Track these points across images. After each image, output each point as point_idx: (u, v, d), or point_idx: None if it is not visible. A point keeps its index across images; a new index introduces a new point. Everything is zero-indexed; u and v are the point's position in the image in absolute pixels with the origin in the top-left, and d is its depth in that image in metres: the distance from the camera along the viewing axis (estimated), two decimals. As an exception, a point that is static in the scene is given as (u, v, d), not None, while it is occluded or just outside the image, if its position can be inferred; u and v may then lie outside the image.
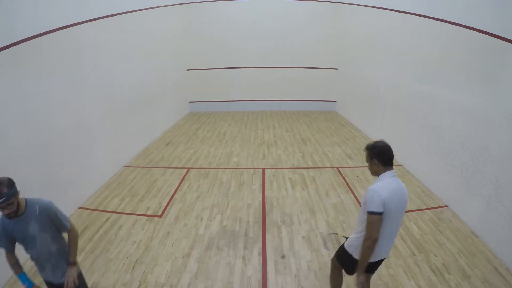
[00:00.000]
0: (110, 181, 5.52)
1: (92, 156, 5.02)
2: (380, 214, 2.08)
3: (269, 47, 10.29)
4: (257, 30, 10.12)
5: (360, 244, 2.22)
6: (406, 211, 4.34)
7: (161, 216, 4.41)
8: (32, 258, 2.14)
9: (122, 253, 3.62)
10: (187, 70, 10.49)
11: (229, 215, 4.43)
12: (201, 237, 3.93)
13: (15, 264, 2.09)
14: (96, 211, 4.53)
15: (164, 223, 4.22)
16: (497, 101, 3.62)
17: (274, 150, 7.04)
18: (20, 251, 2.11)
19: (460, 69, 4.32)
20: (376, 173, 2.22)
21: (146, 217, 4.37)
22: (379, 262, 2.39)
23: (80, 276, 2.24)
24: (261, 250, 3.66)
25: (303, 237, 3.91)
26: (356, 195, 4.91)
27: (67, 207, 4.37)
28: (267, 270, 3.34)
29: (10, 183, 1.87)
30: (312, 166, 6.11)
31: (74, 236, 2.19)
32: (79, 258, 3.52)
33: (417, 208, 4.51)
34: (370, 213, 2.09)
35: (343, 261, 2.52)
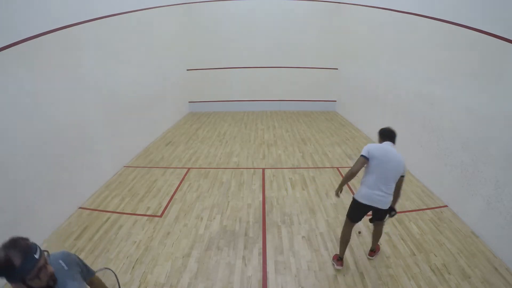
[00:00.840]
0: (110, 181, 5.52)
1: (92, 156, 5.02)
2: (364, 157, 2.93)
3: (269, 47, 10.29)
4: (257, 30, 10.12)
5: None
6: (406, 211, 4.40)
7: (161, 216, 4.41)
8: None
9: (122, 253, 3.62)
10: (187, 70, 10.49)
11: (229, 215, 4.43)
12: (201, 237, 3.93)
13: None
14: (96, 211, 4.53)
15: (164, 223, 4.22)
16: (497, 101, 3.62)
17: (274, 150, 7.04)
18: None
19: (460, 69, 4.32)
20: None
21: (146, 217, 4.37)
22: (371, 208, 2.98)
23: None
24: (261, 250, 3.66)
25: (303, 237, 3.91)
26: (356, 195, 4.92)
27: (67, 207, 4.40)
28: (267, 270, 3.34)
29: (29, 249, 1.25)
30: (312, 166, 6.11)
31: (100, 281, 1.79)
32: (79, 258, 3.54)
33: (417, 208, 4.51)
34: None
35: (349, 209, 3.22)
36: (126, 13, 6.09)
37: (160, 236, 3.94)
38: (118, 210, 4.55)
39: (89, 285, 1.69)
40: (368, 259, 3.47)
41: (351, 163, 6.18)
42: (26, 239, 1.25)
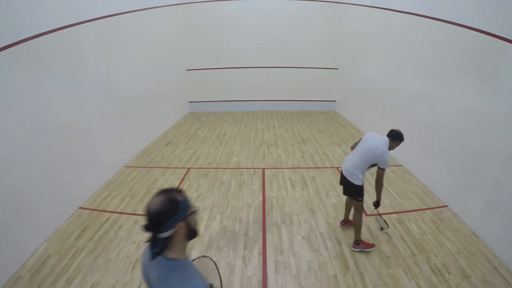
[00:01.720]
0: (110, 181, 5.52)
1: (92, 156, 5.02)
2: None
3: (269, 47, 10.30)
4: (257, 30, 10.13)
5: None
6: (406, 211, 4.41)
7: (161, 216, 4.40)
8: None
9: (122, 253, 3.62)
10: (187, 70, 10.50)
11: (229, 215, 4.43)
12: (201, 237, 3.92)
13: None
14: (96, 211, 4.53)
15: (164, 223, 4.21)
16: (497, 101, 3.63)
17: (274, 150, 7.04)
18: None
19: (460, 69, 4.32)
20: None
21: (146, 217, 4.36)
22: (344, 176, 3.52)
23: None
24: (261, 250, 3.66)
25: (303, 237, 3.91)
26: (356, 195, 4.92)
27: (67, 207, 4.40)
28: (267, 270, 3.34)
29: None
30: (312, 166, 6.12)
31: None
32: (79, 258, 3.53)
33: (417, 208, 4.51)
34: None
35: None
36: (126, 13, 6.09)
37: (160, 236, 3.93)
38: (118, 210, 4.55)
39: None
40: (339, 226, 4.04)
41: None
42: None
